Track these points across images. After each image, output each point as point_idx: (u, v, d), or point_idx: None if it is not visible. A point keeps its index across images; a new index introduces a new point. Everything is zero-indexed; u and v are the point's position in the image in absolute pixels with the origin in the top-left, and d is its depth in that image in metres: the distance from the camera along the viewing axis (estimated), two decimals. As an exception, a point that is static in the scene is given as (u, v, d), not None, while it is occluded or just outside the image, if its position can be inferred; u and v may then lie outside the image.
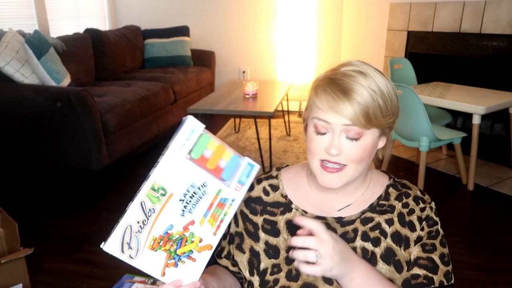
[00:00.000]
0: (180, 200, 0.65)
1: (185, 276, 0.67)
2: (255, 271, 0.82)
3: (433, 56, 3.55)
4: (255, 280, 0.81)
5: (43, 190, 2.74)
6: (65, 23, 3.94)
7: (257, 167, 0.70)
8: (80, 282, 1.86)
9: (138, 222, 0.63)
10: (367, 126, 0.72)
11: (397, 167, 3.18)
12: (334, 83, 0.73)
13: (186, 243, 0.66)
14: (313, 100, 0.76)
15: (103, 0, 4.56)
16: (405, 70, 3.30)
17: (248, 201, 0.87)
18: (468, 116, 3.21)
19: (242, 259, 0.84)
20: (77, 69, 3.36)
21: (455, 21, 3.26)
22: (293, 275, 0.78)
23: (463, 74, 3.45)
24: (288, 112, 3.94)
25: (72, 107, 2.42)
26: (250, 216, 0.86)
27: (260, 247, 0.83)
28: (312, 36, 4.44)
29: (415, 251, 0.78)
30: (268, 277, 0.80)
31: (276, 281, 0.79)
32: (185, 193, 0.65)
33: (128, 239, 0.63)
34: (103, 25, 4.60)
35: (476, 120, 2.57)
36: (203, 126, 0.67)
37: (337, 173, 0.76)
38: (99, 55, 3.73)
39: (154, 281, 1.18)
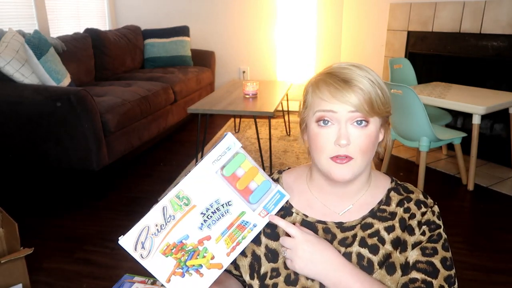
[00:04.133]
0: (202, 213, 0.66)
1: None
2: (255, 274, 0.81)
3: (433, 56, 3.55)
4: (255, 284, 0.81)
5: (43, 190, 2.74)
6: (65, 23, 3.94)
7: (287, 196, 0.71)
8: (80, 282, 1.86)
9: (156, 225, 0.65)
10: (370, 113, 0.73)
11: (397, 167, 3.18)
12: (333, 75, 0.75)
13: (198, 257, 0.66)
14: (314, 94, 0.77)
15: (103, 0, 4.56)
16: (405, 70, 3.30)
17: None
18: (468, 116, 3.21)
19: (244, 263, 0.84)
20: (77, 69, 3.36)
21: (455, 21, 3.26)
22: (292, 280, 0.78)
23: (463, 74, 3.45)
24: (288, 112, 3.94)
25: (72, 107, 2.42)
26: None
27: (261, 251, 0.82)
28: (312, 36, 4.44)
29: (414, 254, 0.77)
30: (268, 281, 0.79)
31: (275, 285, 0.78)
32: (208, 207, 0.66)
33: (143, 239, 0.64)
34: (103, 25, 4.60)
35: (476, 120, 2.57)
36: (240, 144, 0.68)
37: (346, 164, 0.74)
38: (99, 55, 3.73)
39: (154, 281, 1.18)
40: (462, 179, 2.83)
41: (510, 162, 3.00)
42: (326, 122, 0.75)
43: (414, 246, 0.78)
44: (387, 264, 0.77)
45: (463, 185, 2.82)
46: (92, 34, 3.72)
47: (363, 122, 0.74)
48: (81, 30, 3.84)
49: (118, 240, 0.65)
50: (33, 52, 2.56)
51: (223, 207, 0.66)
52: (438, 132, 2.61)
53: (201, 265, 0.67)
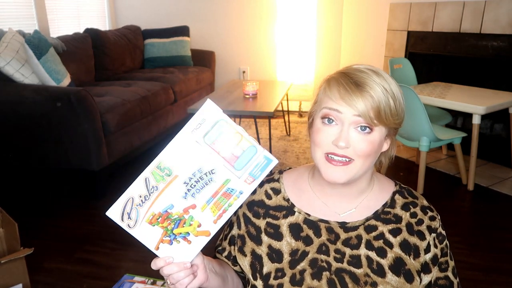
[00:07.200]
0: (185, 183, 0.66)
1: (178, 255, 0.69)
2: (258, 275, 0.81)
3: (433, 56, 3.55)
4: (259, 284, 0.80)
5: (43, 190, 2.74)
6: (65, 23, 3.94)
7: (274, 162, 0.67)
8: (80, 282, 1.86)
9: (140, 196, 0.67)
10: (375, 122, 0.72)
11: (397, 167, 3.18)
12: (348, 77, 0.74)
13: (184, 225, 0.68)
14: (325, 92, 0.76)
15: (103, 0, 4.56)
16: (405, 70, 3.30)
17: (251, 204, 0.86)
18: (468, 116, 3.21)
19: (244, 263, 0.83)
20: (77, 69, 3.36)
21: (455, 21, 3.26)
22: (297, 280, 0.77)
23: (463, 74, 3.45)
24: (288, 112, 3.94)
25: (72, 107, 2.42)
26: (253, 219, 0.85)
27: (262, 250, 0.82)
28: (312, 36, 4.44)
29: (434, 271, 0.80)
30: (272, 281, 0.79)
31: (280, 286, 0.78)
32: (190, 177, 0.66)
33: (129, 210, 0.67)
34: (103, 25, 4.60)
35: (476, 120, 2.57)
36: (220, 110, 0.65)
37: (343, 167, 0.74)
38: (99, 55, 3.73)
39: (154, 281, 1.19)
40: (462, 179, 2.83)
41: (510, 162, 3.00)
42: (331, 121, 0.74)
43: (432, 261, 0.80)
44: (404, 272, 0.77)
45: (463, 185, 2.82)
46: (92, 34, 3.72)
47: (367, 128, 0.73)
48: (81, 30, 3.84)
49: (107, 215, 0.69)
50: (33, 52, 2.56)
51: (206, 175, 0.66)
52: (438, 132, 2.61)
53: (188, 233, 0.68)
